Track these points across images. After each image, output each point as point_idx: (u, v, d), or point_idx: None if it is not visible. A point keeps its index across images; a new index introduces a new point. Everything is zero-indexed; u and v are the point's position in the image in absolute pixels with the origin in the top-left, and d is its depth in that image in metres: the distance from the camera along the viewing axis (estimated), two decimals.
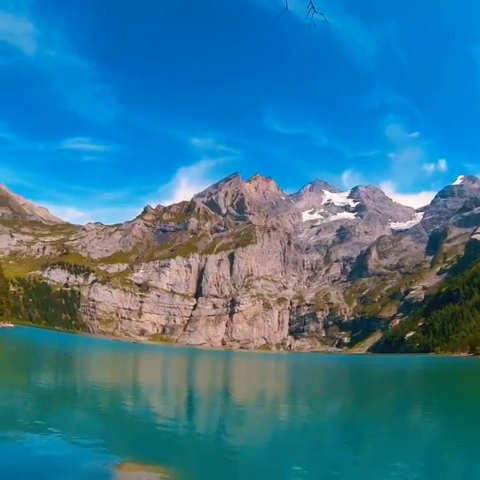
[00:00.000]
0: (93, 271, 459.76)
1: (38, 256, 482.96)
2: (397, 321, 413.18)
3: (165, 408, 30.06)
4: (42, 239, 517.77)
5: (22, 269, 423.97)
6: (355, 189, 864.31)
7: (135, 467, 14.98)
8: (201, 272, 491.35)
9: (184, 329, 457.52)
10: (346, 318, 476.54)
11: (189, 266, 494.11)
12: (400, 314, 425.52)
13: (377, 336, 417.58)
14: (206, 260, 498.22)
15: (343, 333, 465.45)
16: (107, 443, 18.45)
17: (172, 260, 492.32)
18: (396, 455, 18.80)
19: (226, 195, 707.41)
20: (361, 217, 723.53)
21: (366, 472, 16.38)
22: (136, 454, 16.78)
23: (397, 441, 22.26)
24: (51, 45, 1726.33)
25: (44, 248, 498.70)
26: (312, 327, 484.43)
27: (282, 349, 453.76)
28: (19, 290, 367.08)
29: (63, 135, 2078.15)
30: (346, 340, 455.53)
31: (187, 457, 17.94)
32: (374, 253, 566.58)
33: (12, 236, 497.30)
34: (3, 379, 35.45)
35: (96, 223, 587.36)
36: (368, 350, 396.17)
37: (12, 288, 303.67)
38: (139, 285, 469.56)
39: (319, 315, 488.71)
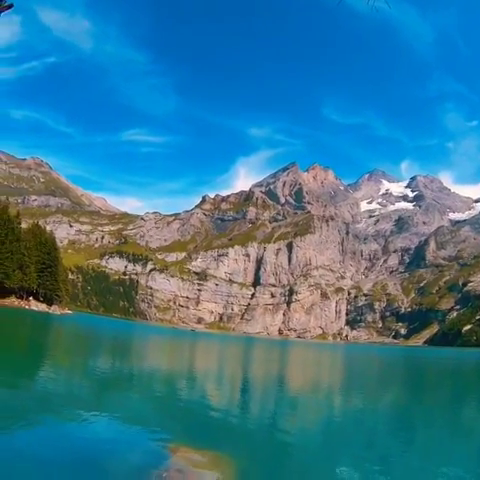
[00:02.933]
0: (151, 260, 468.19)
1: (96, 245, 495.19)
2: (454, 314, 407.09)
3: (220, 394, 30.69)
4: (100, 228, 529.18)
5: (80, 258, 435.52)
6: (413, 179, 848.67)
7: (189, 451, 15.37)
8: (259, 261, 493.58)
9: (241, 317, 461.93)
10: (403, 309, 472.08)
11: (247, 255, 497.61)
12: (458, 306, 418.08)
13: (434, 328, 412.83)
14: (264, 249, 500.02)
15: (400, 324, 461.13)
16: (162, 427, 19.01)
17: (230, 249, 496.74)
18: (447, 454, 18.92)
19: (284, 185, 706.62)
20: (419, 207, 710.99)
21: (415, 469, 16.19)
22: (190, 439, 17.15)
23: (449, 439, 22.30)
24: (107, 40, 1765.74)
25: (102, 237, 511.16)
26: (369, 317, 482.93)
27: (339, 339, 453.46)
28: (77, 278, 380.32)
29: (121, 127, 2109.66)
30: (403, 331, 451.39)
31: (239, 444, 18.12)
32: (432, 244, 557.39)
33: (71, 226, 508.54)
34: (62, 364, 36.28)
35: (154, 213, 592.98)
36: (424, 342, 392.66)
37: (71, 276, 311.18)
38: (197, 274, 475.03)
39: (376, 306, 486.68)
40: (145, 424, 18.84)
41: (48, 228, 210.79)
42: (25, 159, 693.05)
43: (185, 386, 32.28)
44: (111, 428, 17.62)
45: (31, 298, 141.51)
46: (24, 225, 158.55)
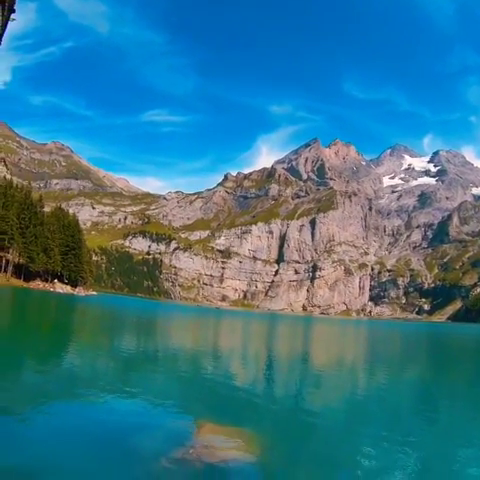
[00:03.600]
0: (174, 239, 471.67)
1: (119, 226, 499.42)
2: (478, 289, 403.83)
3: (244, 372, 31.04)
4: (123, 209, 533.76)
5: (104, 239, 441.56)
6: (436, 154, 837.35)
7: (213, 428, 15.56)
8: (283, 238, 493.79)
9: (265, 294, 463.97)
10: (427, 285, 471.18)
11: (271, 232, 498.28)
12: None
13: (457, 304, 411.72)
14: (288, 226, 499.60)
15: (423, 300, 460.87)
16: (187, 405, 19.41)
17: (254, 226, 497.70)
18: (470, 433, 18.70)
19: (306, 161, 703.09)
20: (442, 182, 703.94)
21: (438, 449, 16.44)
22: (215, 416, 17.29)
23: (473, 418, 22.07)
24: (124, 23, 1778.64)
25: (125, 218, 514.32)
26: (392, 293, 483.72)
27: (362, 315, 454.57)
28: (101, 259, 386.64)
29: (141, 109, 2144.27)
30: (426, 307, 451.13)
31: (264, 421, 18.28)
32: (455, 219, 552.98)
33: (93, 208, 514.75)
34: (87, 343, 37.01)
35: (177, 192, 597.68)
36: (448, 318, 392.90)
37: (94, 257, 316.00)
38: (221, 251, 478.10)
39: (400, 281, 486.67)
40: (171, 402, 19.44)
41: (71, 211, 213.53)
42: (46, 144, 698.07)
43: (210, 364, 32.74)
44: (137, 407, 17.98)
45: (56, 280, 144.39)
46: (47, 209, 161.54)
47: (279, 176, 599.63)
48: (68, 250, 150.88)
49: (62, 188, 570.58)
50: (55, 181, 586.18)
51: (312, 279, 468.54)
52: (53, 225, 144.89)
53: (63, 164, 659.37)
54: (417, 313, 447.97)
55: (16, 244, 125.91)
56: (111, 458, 12.75)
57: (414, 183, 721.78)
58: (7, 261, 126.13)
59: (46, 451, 12.54)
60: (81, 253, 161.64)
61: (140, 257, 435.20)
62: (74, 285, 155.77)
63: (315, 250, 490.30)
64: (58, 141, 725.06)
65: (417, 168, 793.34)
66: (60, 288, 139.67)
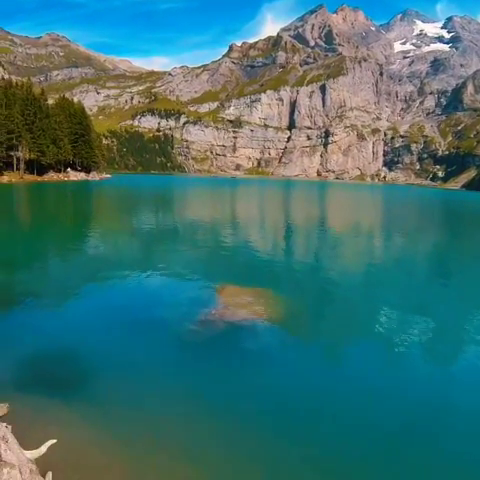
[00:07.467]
0: (184, 113, 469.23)
1: (126, 107, 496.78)
2: None
3: (263, 238, 32.14)
4: (128, 90, 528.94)
5: (112, 122, 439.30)
6: (449, 19, 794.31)
7: (235, 290, 16.48)
8: (293, 105, 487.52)
9: (279, 161, 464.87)
10: (441, 152, 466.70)
11: (280, 99, 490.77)
12: None
13: (472, 173, 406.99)
14: (297, 92, 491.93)
15: (437, 167, 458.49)
16: (208, 272, 20.56)
17: (263, 94, 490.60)
18: None
19: (313, 27, 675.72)
20: (456, 49, 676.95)
21: (452, 310, 16.77)
22: (235, 279, 18.29)
23: None
24: None
25: (132, 98, 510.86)
26: (406, 159, 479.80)
27: (377, 180, 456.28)
28: (112, 142, 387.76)
29: None
30: (440, 174, 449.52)
31: (282, 282, 18.98)
32: (470, 87, 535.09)
33: (98, 93, 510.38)
34: (108, 226, 37.75)
35: (181, 67, 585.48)
36: (462, 186, 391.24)
37: (105, 141, 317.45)
38: (231, 122, 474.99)
39: (413, 147, 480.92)
40: (193, 271, 20.60)
41: (75, 99, 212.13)
42: (40, 37, 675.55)
43: (230, 233, 33.87)
44: (162, 279, 19.12)
45: (69, 169, 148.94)
46: (51, 101, 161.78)
47: (286, 43, 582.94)
48: (77, 138, 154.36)
49: (64, 78, 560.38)
50: (55, 72, 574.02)
51: (325, 145, 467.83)
52: (59, 116, 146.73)
53: (61, 54, 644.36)
54: (431, 180, 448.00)
55: (24, 141, 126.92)
56: (140, 327, 14.11)
57: (426, 49, 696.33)
58: (18, 159, 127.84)
59: (82, 329, 13.74)
60: (90, 139, 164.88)
61: (150, 135, 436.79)
62: (87, 171, 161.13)
63: (326, 116, 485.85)
64: (53, 32, 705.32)
65: (429, 34, 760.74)
66: (74, 176, 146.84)
